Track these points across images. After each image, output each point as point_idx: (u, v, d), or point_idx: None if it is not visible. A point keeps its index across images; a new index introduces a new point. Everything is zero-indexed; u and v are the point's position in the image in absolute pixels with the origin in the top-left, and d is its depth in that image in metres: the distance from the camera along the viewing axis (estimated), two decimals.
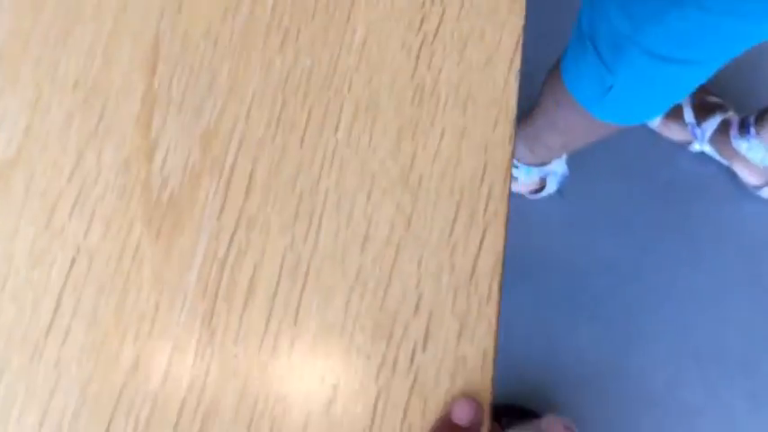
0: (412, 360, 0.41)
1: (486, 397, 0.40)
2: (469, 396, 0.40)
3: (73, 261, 0.41)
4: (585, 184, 1.26)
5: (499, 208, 0.43)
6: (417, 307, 0.42)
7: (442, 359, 0.41)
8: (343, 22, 0.46)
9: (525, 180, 1.17)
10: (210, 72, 0.45)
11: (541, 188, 1.21)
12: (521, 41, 0.47)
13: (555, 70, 0.86)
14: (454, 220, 0.43)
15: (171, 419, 0.39)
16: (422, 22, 0.46)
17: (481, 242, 0.43)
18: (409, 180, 0.43)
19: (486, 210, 0.43)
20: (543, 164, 1.15)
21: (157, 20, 0.45)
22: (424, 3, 0.47)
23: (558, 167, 1.17)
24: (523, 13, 0.47)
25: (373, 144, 0.44)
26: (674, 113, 1.22)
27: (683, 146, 1.25)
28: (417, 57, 0.46)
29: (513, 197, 1.21)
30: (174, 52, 0.45)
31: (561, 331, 1.21)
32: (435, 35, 0.46)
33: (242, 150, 0.43)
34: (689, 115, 1.21)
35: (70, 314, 0.41)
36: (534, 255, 1.23)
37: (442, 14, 0.46)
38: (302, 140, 0.44)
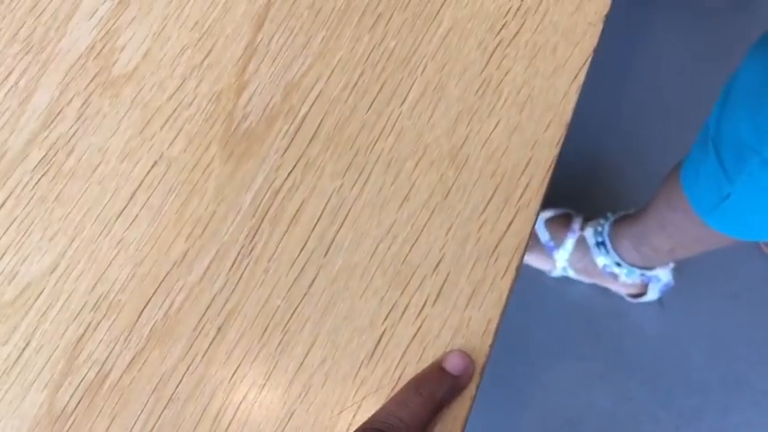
0: (421, 311, 0.44)
1: (481, 360, 0.43)
2: (465, 351, 0.43)
3: (154, 163, 0.48)
4: (690, 299, 1.22)
5: (533, 199, 0.47)
6: (437, 266, 0.45)
7: (449, 317, 0.44)
8: (432, 15, 0.51)
9: (626, 280, 1.14)
10: (307, 37, 0.51)
11: (642, 293, 1.18)
12: (589, 61, 0.50)
13: (674, 172, 0.86)
14: (489, 200, 0.47)
15: (200, 310, 0.45)
16: (502, 27, 0.51)
17: (509, 225, 0.46)
18: (457, 157, 0.48)
19: (521, 198, 0.47)
20: (648, 268, 1.13)
21: None
22: (507, 12, 0.51)
23: (663, 275, 1.14)
24: (597, 38, 0.51)
25: (432, 121, 0.49)
26: None
27: None
28: (490, 56, 0.50)
29: (610, 298, 1.20)
30: (280, 15, 0.52)
31: None
32: (511, 41, 0.51)
33: (316, 104, 0.49)
34: None
35: (140, 205, 0.47)
36: (620, 359, 1.20)
37: (522, 25, 0.51)
38: (370, 106, 0.49)
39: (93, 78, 0.50)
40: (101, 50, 0.51)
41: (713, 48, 1.37)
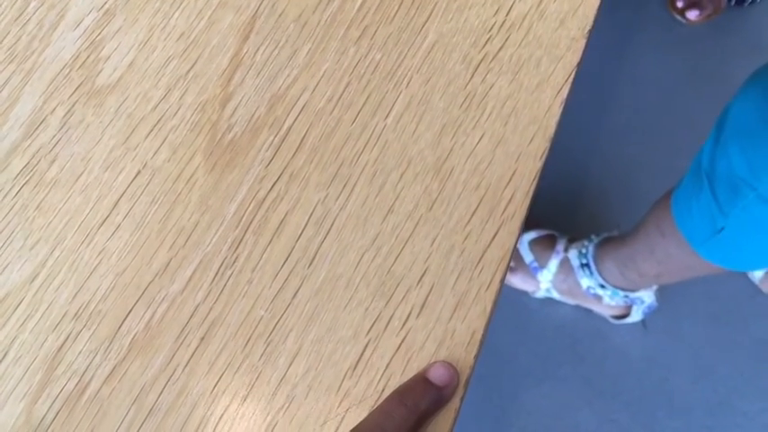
0: (405, 322, 0.44)
1: (466, 372, 0.43)
2: (449, 363, 0.42)
3: (138, 173, 0.48)
4: (673, 321, 1.22)
5: (517, 212, 0.47)
6: (421, 278, 0.45)
7: (433, 328, 0.44)
8: (418, 29, 0.52)
9: (610, 302, 1.15)
10: (292, 49, 0.51)
11: (626, 315, 1.18)
12: (572, 76, 0.51)
13: (665, 199, 0.86)
14: (473, 212, 0.47)
15: (182, 320, 0.44)
16: (486, 42, 0.51)
17: (494, 237, 0.46)
18: (441, 169, 0.48)
19: (505, 210, 0.47)
20: (631, 290, 1.13)
21: (260, 0, 0.53)
22: (492, 26, 0.52)
23: (647, 297, 1.14)
24: (580, 53, 0.51)
25: (417, 134, 0.49)
26: None
27: None
28: (475, 70, 0.51)
29: (593, 319, 1.21)
30: (266, 27, 0.52)
31: None
32: (495, 55, 0.51)
33: (301, 115, 0.49)
34: None
35: (123, 215, 0.47)
36: (604, 381, 1.20)
37: (506, 39, 0.52)
38: (355, 118, 0.49)
39: (78, 88, 0.50)
40: (85, 60, 0.51)
41: (695, 71, 1.39)
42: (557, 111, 0.50)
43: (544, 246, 1.20)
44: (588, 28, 0.52)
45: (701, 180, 0.72)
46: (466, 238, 0.46)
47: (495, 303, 0.45)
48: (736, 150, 0.65)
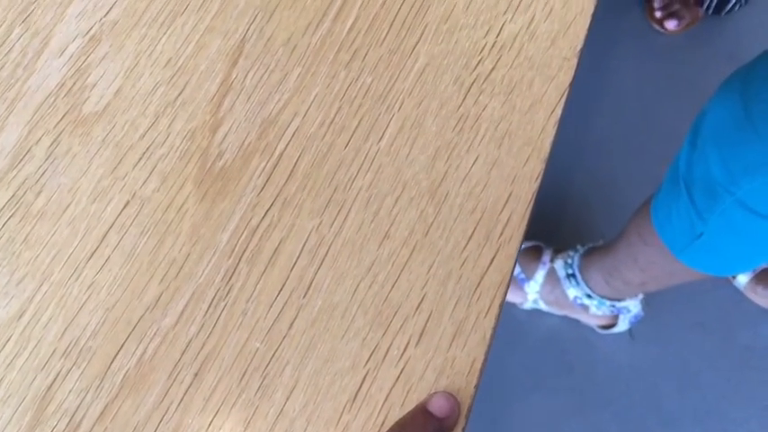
0: (404, 352, 0.43)
1: (467, 401, 0.42)
2: (450, 393, 0.42)
3: (127, 203, 0.47)
4: (659, 329, 1.22)
5: (514, 235, 0.46)
6: (419, 306, 0.44)
7: (432, 357, 0.43)
8: (408, 51, 0.51)
9: (596, 312, 1.14)
10: (283, 73, 0.51)
11: (612, 324, 1.18)
12: (565, 96, 0.51)
13: (644, 207, 0.85)
14: (470, 237, 0.46)
15: (174, 356, 0.43)
16: (478, 63, 0.51)
17: (491, 261, 0.46)
18: (436, 194, 0.47)
19: (501, 234, 0.46)
20: (617, 299, 1.13)
21: (248, 23, 0.52)
22: (483, 48, 0.51)
23: (633, 306, 1.14)
24: (572, 73, 0.51)
25: (411, 157, 0.48)
26: (764, 278, 1.18)
27: None
28: (467, 92, 0.50)
29: (581, 329, 1.20)
30: (255, 52, 0.51)
31: None
32: (487, 77, 0.51)
33: (293, 141, 0.48)
34: None
35: (112, 247, 0.45)
36: (593, 391, 1.19)
37: (497, 60, 0.51)
38: (348, 143, 0.48)
39: (63, 117, 0.49)
40: (71, 88, 0.50)
41: (673, 80, 1.40)
42: (551, 131, 0.49)
43: (530, 257, 1.20)
44: (580, 47, 0.51)
45: (678, 186, 0.72)
46: (463, 264, 0.45)
47: (495, 330, 0.44)
48: (713, 155, 0.65)
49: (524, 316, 1.25)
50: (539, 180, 0.48)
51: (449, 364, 0.43)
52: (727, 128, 0.64)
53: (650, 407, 1.19)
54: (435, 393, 0.42)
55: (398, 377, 0.43)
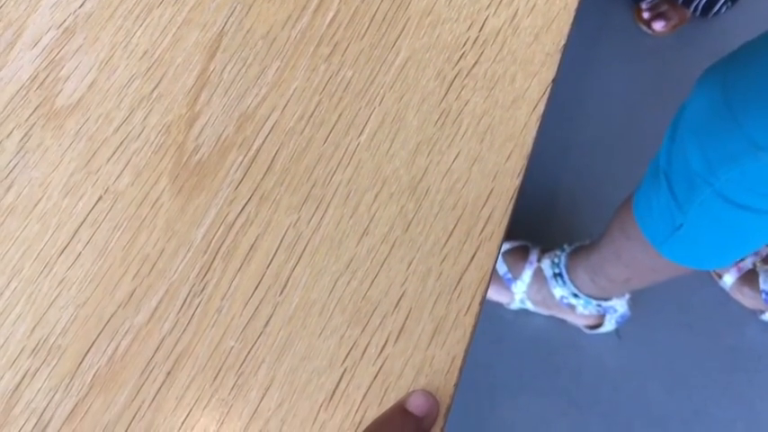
0: (382, 350, 0.42)
1: (446, 400, 0.41)
2: (429, 391, 0.41)
3: (99, 198, 0.46)
4: (646, 330, 1.22)
5: (495, 231, 0.46)
6: (398, 303, 0.44)
7: (411, 355, 0.42)
8: (390, 45, 0.50)
9: (583, 311, 1.14)
10: (261, 67, 0.50)
11: (599, 324, 1.18)
12: (548, 92, 0.50)
13: (627, 202, 0.86)
14: (451, 233, 0.45)
15: (147, 353, 0.42)
16: (460, 58, 0.50)
17: (472, 258, 0.45)
18: (417, 189, 0.46)
19: (483, 230, 0.45)
20: (604, 298, 1.13)
21: (227, 16, 0.51)
22: (465, 42, 0.51)
23: (619, 306, 1.14)
24: (555, 68, 0.51)
25: (391, 152, 0.47)
26: (750, 278, 1.19)
27: (755, 314, 1.20)
28: (449, 86, 0.49)
29: (569, 329, 1.20)
30: (233, 45, 0.50)
31: None
32: (469, 71, 0.50)
33: (271, 135, 0.47)
34: (765, 282, 1.17)
35: (84, 243, 0.44)
36: (580, 392, 1.19)
37: (480, 55, 0.50)
38: (327, 137, 0.48)
39: (36, 110, 0.48)
40: (44, 80, 0.49)
41: (660, 81, 1.40)
42: (533, 127, 0.49)
43: (517, 257, 1.19)
44: (563, 43, 0.51)
45: (659, 179, 0.72)
46: (443, 261, 0.45)
47: (475, 328, 0.43)
48: (692, 146, 0.65)
49: (511, 316, 1.24)
50: (521, 176, 0.47)
51: (428, 362, 0.42)
52: (706, 117, 0.64)
53: (638, 408, 1.19)
54: (414, 392, 0.41)
55: (376, 375, 0.42)
